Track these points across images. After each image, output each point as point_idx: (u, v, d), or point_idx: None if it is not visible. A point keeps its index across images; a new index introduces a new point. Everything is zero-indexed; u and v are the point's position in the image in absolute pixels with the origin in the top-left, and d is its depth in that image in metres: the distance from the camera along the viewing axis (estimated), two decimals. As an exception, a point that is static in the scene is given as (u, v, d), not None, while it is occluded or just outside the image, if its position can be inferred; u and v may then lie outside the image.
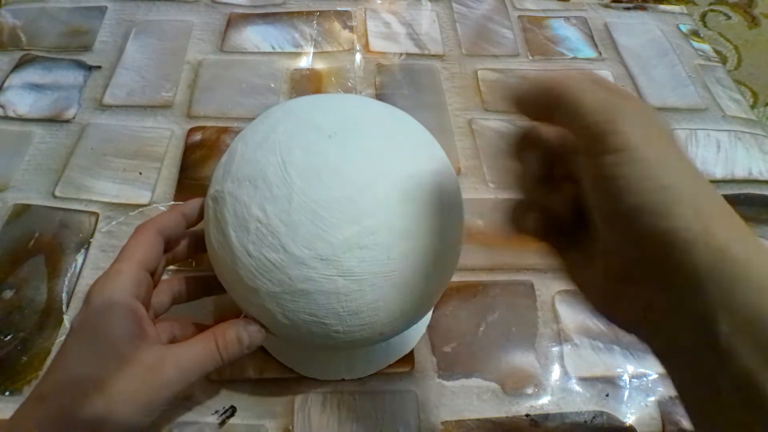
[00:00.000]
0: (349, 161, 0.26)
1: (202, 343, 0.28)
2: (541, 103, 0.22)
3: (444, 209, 0.28)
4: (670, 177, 0.18)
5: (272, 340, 0.38)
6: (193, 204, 0.33)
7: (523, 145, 0.26)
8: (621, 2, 0.69)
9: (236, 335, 0.28)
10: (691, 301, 0.17)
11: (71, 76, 0.55)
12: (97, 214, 0.45)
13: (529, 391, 0.38)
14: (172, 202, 0.45)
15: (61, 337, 0.38)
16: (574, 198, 0.23)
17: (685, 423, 0.36)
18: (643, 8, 0.68)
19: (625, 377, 0.38)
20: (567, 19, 0.66)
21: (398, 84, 0.56)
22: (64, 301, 0.40)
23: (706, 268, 0.17)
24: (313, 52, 0.59)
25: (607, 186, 0.19)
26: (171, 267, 0.38)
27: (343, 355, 0.37)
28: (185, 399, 0.36)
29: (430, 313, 0.41)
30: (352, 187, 0.25)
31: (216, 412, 0.36)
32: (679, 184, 0.18)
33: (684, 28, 0.66)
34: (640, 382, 0.38)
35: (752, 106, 0.60)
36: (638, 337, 0.21)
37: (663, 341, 0.20)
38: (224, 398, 0.36)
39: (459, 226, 0.30)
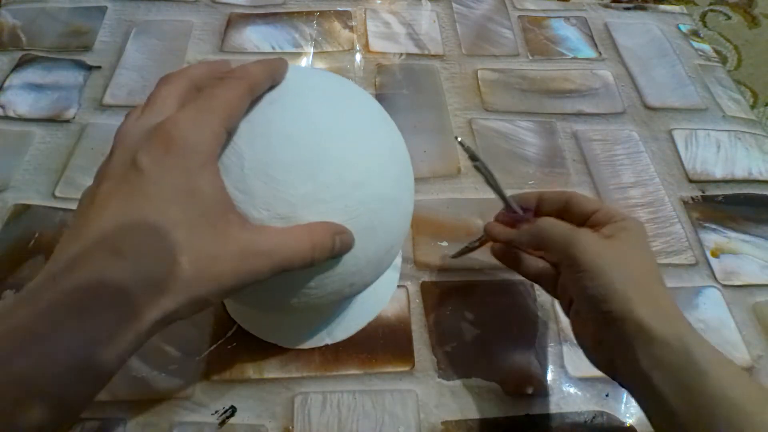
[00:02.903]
0: (294, 123, 0.27)
1: (296, 238, 0.25)
2: (534, 244, 0.34)
3: (390, 156, 0.30)
4: (611, 280, 0.28)
5: (252, 318, 0.39)
6: (281, 63, 0.28)
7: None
8: (621, 2, 0.69)
9: (330, 239, 0.26)
10: (629, 356, 0.27)
11: (71, 76, 0.55)
12: (97, 214, 0.45)
13: (529, 391, 0.38)
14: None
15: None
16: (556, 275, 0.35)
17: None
18: (643, 8, 0.68)
19: (625, 377, 0.39)
20: (567, 19, 0.66)
21: (398, 84, 0.56)
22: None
23: (630, 334, 0.27)
24: (313, 52, 0.59)
25: (573, 285, 0.30)
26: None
27: (321, 321, 0.39)
28: (185, 399, 0.36)
29: (398, 272, 0.43)
30: (301, 147, 0.26)
31: (216, 412, 0.36)
32: (616, 284, 0.28)
33: (684, 28, 0.66)
34: (640, 382, 0.38)
35: (752, 106, 0.60)
36: (612, 378, 0.30)
37: (624, 381, 0.29)
38: (224, 398, 0.36)
39: (407, 171, 0.32)
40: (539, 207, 0.35)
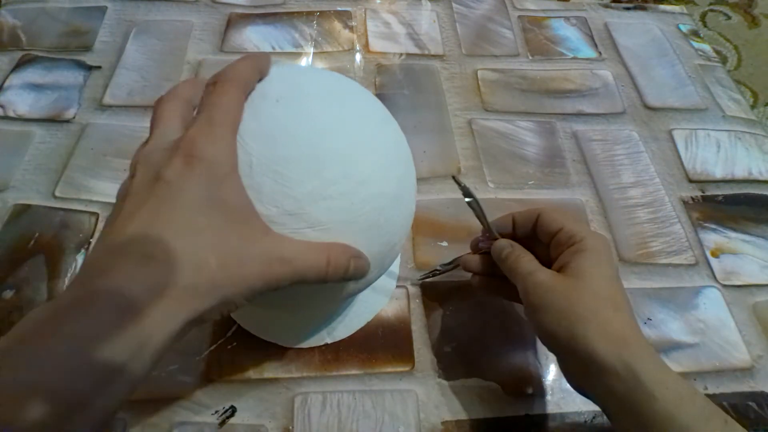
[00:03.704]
0: (300, 120, 0.27)
1: (315, 253, 0.26)
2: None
3: (394, 155, 0.31)
4: (559, 317, 0.30)
5: (251, 317, 0.39)
6: (264, 56, 0.29)
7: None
8: (621, 2, 0.69)
9: (346, 260, 0.27)
10: (588, 385, 0.30)
11: (71, 76, 0.55)
12: (97, 215, 0.45)
13: (529, 391, 0.38)
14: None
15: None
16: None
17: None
18: (643, 8, 0.68)
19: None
20: (567, 19, 0.66)
21: (398, 84, 0.56)
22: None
23: (583, 365, 0.29)
24: (313, 52, 0.59)
25: (529, 321, 0.32)
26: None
27: (322, 320, 0.39)
28: (185, 399, 0.36)
29: (398, 269, 0.43)
30: (306, 144, 0.27)
31: (216, 412, 0.36)
32: (561, 321, 0.29)
33: (684, 28, 0.66)
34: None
35: (752, 106, 0.60)
36: (591, 401, 0.31)
37: (599, 402, 0.30)
38: (224, 398, 0.36)
39: (410, 170, 0.33)
40: (514, 228, 0.36)
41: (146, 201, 0.23)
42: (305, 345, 0.39)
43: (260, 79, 0.28)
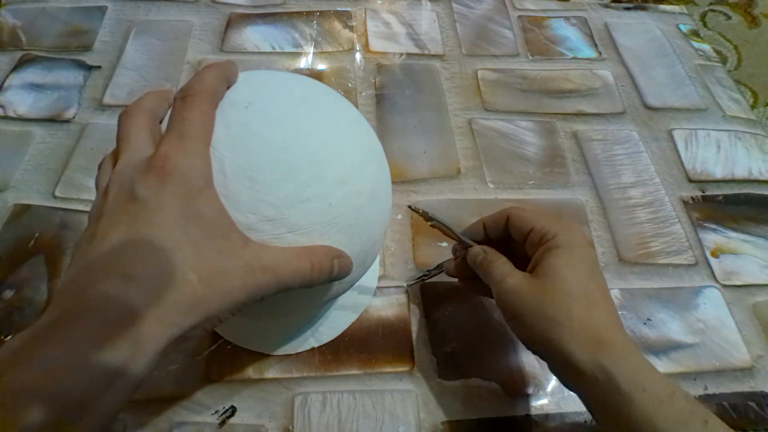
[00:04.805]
0: (270, 125, 0.27)
1: (297, 258, 0.25)
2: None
3: (368, 153, 0.31)
4: (531, 324, 0.30)
5: (235, 329, 0.39)
6: (230, 64, 0.28)
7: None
8: (621, 2, 0.69)
9: (329, 262, 0.27)
10: (574, 388, 0.30)
11: (71, 76, 0.55)
12: (97, 214, 0.45)
13: (529, 391, 0.38)
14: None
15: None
16: None
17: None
18: (643, 8, 0.68)
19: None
20: (567, 19, 0.66)
21: (398, 84, 0.56)
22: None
23: (563, 370, 0.29)
24: (313, 52, 0.59)
25: (509, 325, 0.32)
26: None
27: (305, 324, 0.39)
28: (185, 399, 0.36)
29: (379, 266, 0.43)
30: (278, 148, 0.26)
31: (216, 412, 0.36)
32: (534, 327, 0.29)
33: (684, 28, 0.66)
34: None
35: (752, 106, 0.60)
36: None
37: (583, 403, 0.30)
38: (224, 398, 0.36)
39: (384, 167, 0.33)
40: (486, 233, 0.36)
41: (121, 220, 0.22)
42: (291, 351, 0.38)
43: (228, 87, 0.28)
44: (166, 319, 0.21)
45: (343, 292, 0.32)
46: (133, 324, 0.20)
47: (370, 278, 0.42)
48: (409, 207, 0.37)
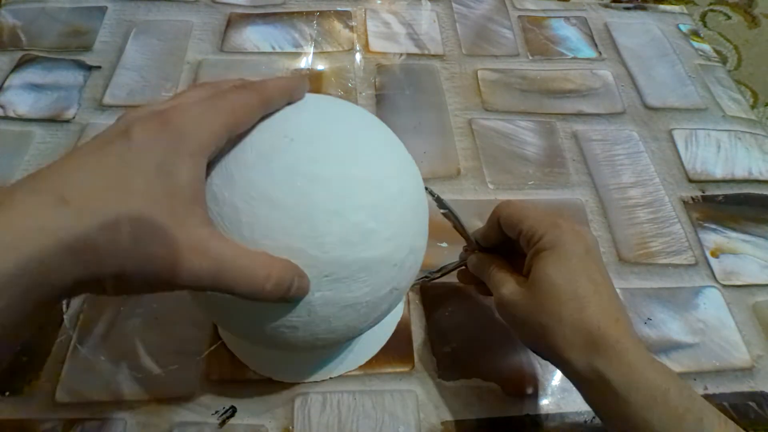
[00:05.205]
0: (315, 161, 0.26)
1: (253, 261, 0.23)
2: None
3: (414, 210, 0.29)
4: (529, 329, 0.30)
5: (258, 358, 0.38)
6: (300, 83, 0.28)
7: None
8: (621, 2, 0.69)
9: (290, 277, 0.24)
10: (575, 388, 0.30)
11: (71, 76, 0.55)
12: (97, 214, 0.45)
13: (529, 391, 0.38)
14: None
15: (61, 337, 0.38)
16: None
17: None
18: (643, 8, 0.68)
19: (625, 377, 0.39)
20: (567, 19, 0.66)
21: (398, 84, 0.56)
22: (64, 301, 0.40)
23: (562, 370, 0.30)
24: (313, 53, 0.59)
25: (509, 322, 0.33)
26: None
27: (329, 356, 0.38)
28: (185, 399, 0.36)
29: (402, 302, 0.41)
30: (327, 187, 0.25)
31: (216, 412, 0.36)
32: (531, 331, 0.30)
33: (684, 28, 0.66)
34: (640, 382, 0.38)
35: (752, 106, 0.60)
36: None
37: (587, 403, 0.30)
38: (224, 398, 0.36)
39: (424, 220, 0.31)
40: (491, 239, 0.36)
41: (100, 148, 0.21)
42: (311, 380, 0.37)
43: (290, 103, 0.27)
44: (78, 259, 0.19)
45: (371, 327, 0.31)
46: (41, 254, 0.18)
47: (394, 313, 0.40)
48: (426, 189, 0.34)
